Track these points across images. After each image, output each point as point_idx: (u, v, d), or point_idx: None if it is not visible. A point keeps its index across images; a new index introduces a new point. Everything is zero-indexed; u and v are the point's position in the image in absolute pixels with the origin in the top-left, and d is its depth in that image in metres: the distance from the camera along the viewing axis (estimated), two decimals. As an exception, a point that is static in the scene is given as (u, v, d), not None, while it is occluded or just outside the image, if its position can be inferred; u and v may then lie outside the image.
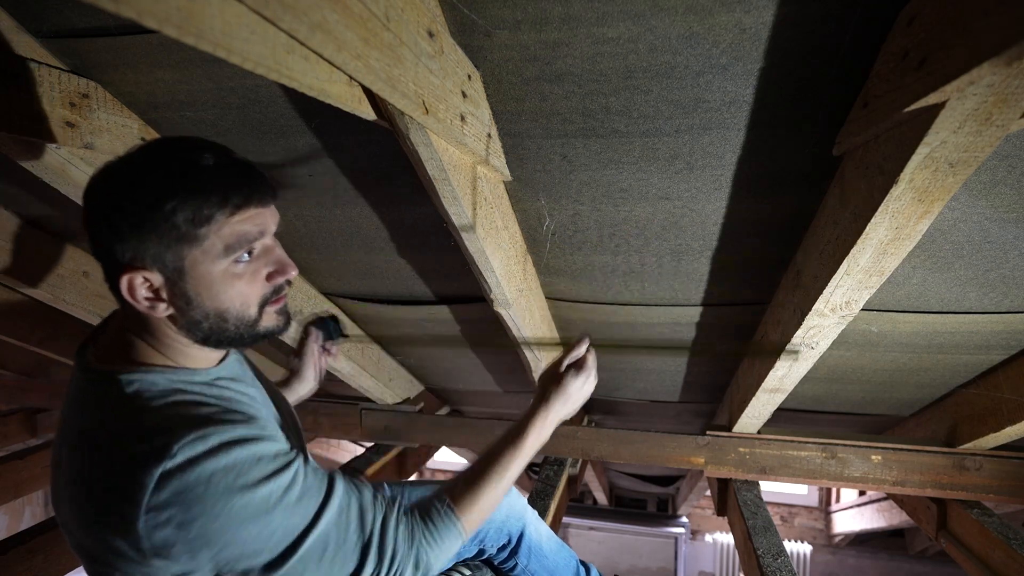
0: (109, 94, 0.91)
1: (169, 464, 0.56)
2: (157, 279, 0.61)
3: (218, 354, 0.74)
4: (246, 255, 0.64)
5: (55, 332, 1.98)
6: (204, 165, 0.60)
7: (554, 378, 0.89)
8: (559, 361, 0.92)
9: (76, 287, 1.55)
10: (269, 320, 0.69)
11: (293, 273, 0.68)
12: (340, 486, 0.68)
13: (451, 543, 0.75)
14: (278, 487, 0.61)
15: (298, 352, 1.12)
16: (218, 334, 0.66)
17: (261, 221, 0.64)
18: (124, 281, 0.60)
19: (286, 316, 0.72)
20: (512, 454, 0.83)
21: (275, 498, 0.61)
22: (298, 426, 0.89)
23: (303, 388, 1.11)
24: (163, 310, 0.63)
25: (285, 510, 0.61)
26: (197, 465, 0.57)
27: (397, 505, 0.73)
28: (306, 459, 0.69)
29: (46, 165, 0.94)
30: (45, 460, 2.21)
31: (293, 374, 1.11)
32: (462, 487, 0.79)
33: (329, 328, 1.11)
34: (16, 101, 0.79)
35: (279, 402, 0.85)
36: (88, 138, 0.89)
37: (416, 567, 0.71)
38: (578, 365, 0.90)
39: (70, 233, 1.48)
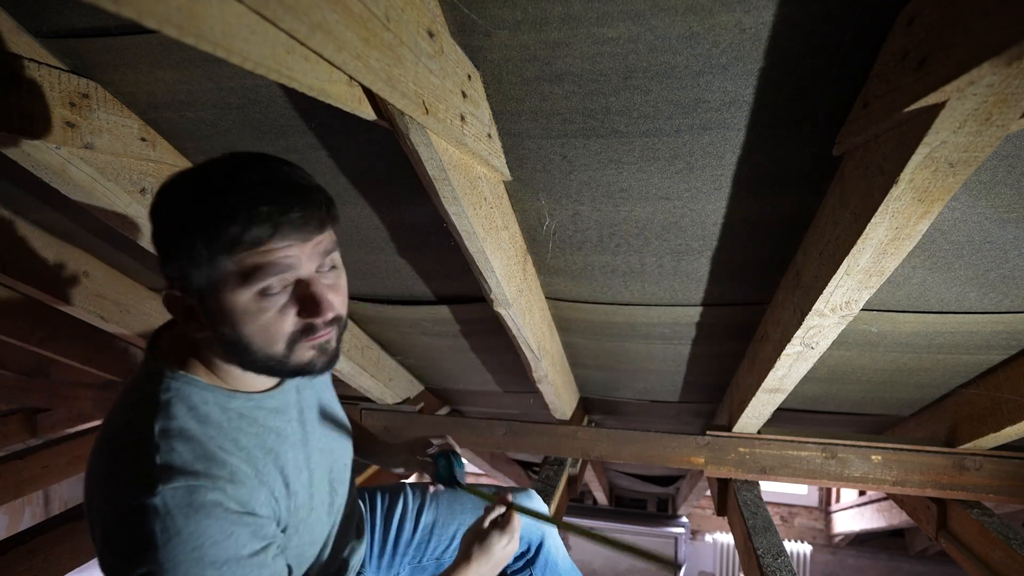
0: (109, 94, 0.91)
1: (147, 500, 0.56)
2: (189, 299, 0.61)
3: (271, 380, 0.73)
4: (274, 288, 0.59)
5: (55, 332, 1.98)
6: (242, 188, 0.56)
7: (477, 536, 0.84)
8: (482, 519, 0.87)
9: (76, 287, 1.55)
10: (302, 355, 0.64)
11: (327, 315, 0.62)
12: None
13: None
14: (234, 572, 0.59)
15: (412, 451, 1.05)
16: (247, 362, 0.64)
17: (290, 255, 0.59)
18: (163, 297, 0.62)
19: (327, 353, 0.66)
20: None
21: None
22: (339, 464, 0.87)
23: (382, 464, 1.10)
24: (196, 329, 0.63)
25: None
26: (169, 517, 0.56)
27: None
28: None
29: (46, 165, 0.94)
30: (45, 460, 2.21)
31: (394, 454, 1.07)
32: None
33: (444, 468, 1.02)
34: (16, 101, 0.79)
35: (332, 437, 0.84)
36: (88, 138, 0.89)
37: None
38: (501, 524, 0.85)
39: (70, 233, 1.48)
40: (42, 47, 0.82)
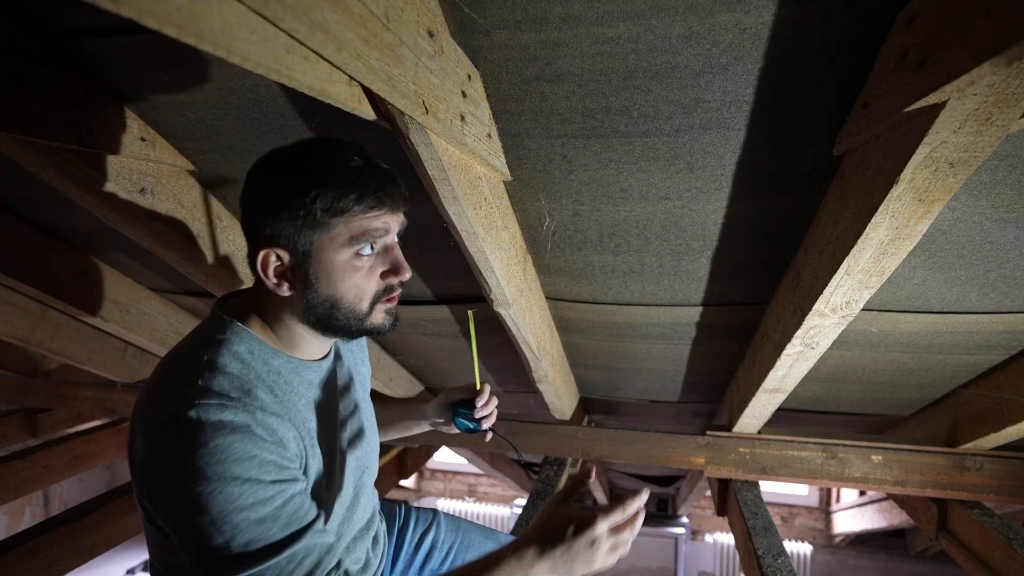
0: (110, 94, 0.91)
1: (182, 413, 0.61)
2: (287, 258, 0.68)
3: (319, 351, 0.78)
4: (368, 250, 0.69)
5: (55, 332, 1.98)
6: (351, 165, 0.67)
7: (581, 528, 0.66)
8: (607, 510, 0.67)
9: (76, 287, 1.55)
10: (378, 317, 0.73)
11: (407, 275, 0.71)
12: (310, 538, 0.64)
13: None
14: (248, 493, 0.60)
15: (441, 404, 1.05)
16: (327, 320, 0.71)
17: (386, 222, 0.69)
18: (260, 256, 0.68)
19: (394, 317, 0.76)
20: None
21: (239, 503, 0.60)
22: (367, 460, 0.88)
23: (405, 423, 1.10)
24: (286, 289, 0.70)
25: (243, 521, 0.60)
26: (199, 428, 0.60)
27: None
28: (336, 486, 0.73)
29: (46, 165, 0.94)
30: (45, 460, 2.20)
31: (417, 407, 1.08)
32: None
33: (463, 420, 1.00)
34: (17, 101, 0.79)
35: (361, 436, 0.86)
36: (88, 138, 0.89)
37: None
38: (618, 529, 0.68)
39: (70, 233, 1.48)
40: (42, 47, 0.82)
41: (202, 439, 0.60)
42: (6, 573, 1.37)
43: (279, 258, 0.68)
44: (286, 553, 0.62)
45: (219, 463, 0.59)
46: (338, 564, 0.68)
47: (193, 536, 0.61)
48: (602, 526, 0.67)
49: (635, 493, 0.70)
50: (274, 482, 0.63)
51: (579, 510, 0.69)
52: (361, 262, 0.69)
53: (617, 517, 0.68)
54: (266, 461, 0.63)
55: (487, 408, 0.98)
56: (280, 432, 0.66)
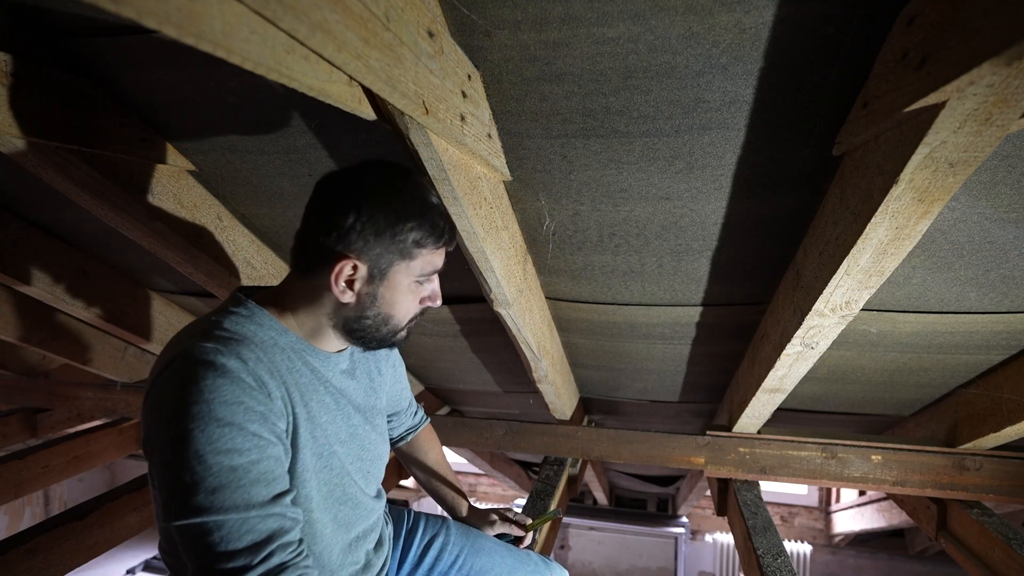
0: (109, 94, 0.91)
1: (182, 351, 0.66)
2: (363, 272, 0.73)
3: (335, 347, 0.82)
4: (427, 279, 0.78)
5: (55, 332, 1.98)
6: (434, 203, 0.76)
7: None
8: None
9: (76, 287, 1.55)
10: (404, 333, 0.81)
11: (439, 303, 0.82)
12: (276, 505, 0.65)
13: None
14: (228, 437, 0.62)
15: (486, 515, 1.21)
16: (366, 331, 0.77)
17: (443, 258, 0.79)
18: (337, 265, 0.71)
19: (410, 332, 0.84)
20: None
21: (217, 445, 0.61)
22: (373, 455, 0.90)
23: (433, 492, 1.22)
24: (348, 297, 0.74)
25: (216, 464, 0.61)
26: (194, 365, 0.64)
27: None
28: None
29: (46, 165, 0.94)
30: (45, 460, 2.20)
31: (459, 502, 1.21)
32: None
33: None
34: (17, 102, 0.80)
35: (359, 422, 0.87)
36: (88, 138, 0.89)
37: None
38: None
39: (70, 233, 1.48)
40: (42, 47, 0.82)
41: (194, 376, 0.63)
42: (6, 573, 1.37)
43: (355, 269, 0.72)
44: (253, 512, 0.63)
45: (206, 402, 0.62)
46: (300, 540, 0.68)
47: (167, 473, 0.62)
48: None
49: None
50: (255, 435, 0.65)
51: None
52: (416, 287, 0.78)
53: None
54: (252, 409, 0.65)
55: (522, 544, 1.20)
56: (269, 386, 0.69)
